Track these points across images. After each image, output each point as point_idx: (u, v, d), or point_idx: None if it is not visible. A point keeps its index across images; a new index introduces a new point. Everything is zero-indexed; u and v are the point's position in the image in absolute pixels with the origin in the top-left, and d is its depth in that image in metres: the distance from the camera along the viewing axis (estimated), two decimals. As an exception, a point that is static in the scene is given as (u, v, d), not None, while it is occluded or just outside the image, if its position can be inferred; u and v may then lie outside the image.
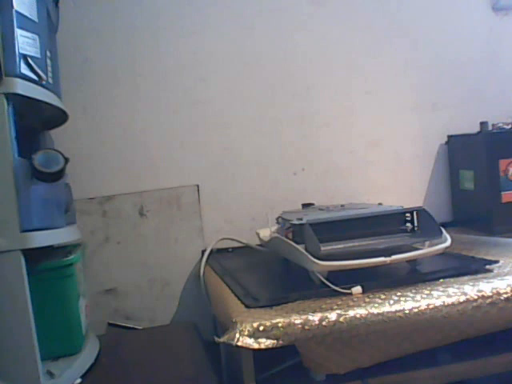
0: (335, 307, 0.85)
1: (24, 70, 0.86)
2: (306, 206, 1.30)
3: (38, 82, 0.89)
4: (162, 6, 1.41)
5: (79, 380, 0.92)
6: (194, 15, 1.42)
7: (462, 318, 0.87)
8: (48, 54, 0.96)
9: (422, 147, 1.59)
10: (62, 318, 0.97)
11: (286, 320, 0.82)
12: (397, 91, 1.56)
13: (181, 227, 1.42)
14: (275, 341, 0.81)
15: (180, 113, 1.43)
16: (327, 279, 0.93)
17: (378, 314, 0.84)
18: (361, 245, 1.02)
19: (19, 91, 0.83)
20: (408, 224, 1.08)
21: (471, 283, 0.92)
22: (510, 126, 1.44)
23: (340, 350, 0.84)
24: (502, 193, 1.40)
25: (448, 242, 0.99)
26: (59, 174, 0.89)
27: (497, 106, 1.58)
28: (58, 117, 1.07)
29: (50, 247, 0.97)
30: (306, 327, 0.82)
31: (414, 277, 0.99)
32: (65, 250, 1.05)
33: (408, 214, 1.08)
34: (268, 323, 0.82)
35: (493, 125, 1.46)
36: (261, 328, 0.81)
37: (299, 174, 1.50)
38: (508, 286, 0.91)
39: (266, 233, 1.23)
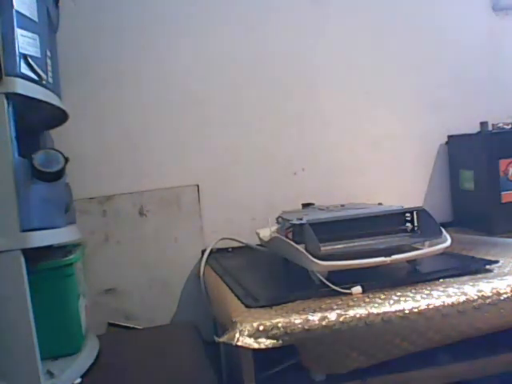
0: (335, 307, 0.85)
1: (24, 69, 0.86)
2: (306, 205, 1.30)
3: (38, 82, 0.89)
4: (164, 6, 1.40)
5: (79, 380, 0.92)
6: (194, 16, 1.42)
7: (462, 318, 0.87)
8: (48, 53, 0.96)
9: (422, 147, 1.59)
10: (62, 318, 0.97)
11: (286, 320, 0.82)
12: (397, 91, 1.56)
13: (181, 227, 1.42)
14: (275, 341, 0.81)
15: (180, 113, 1.43)
16: (327, 279, 0.93)
17: (378, 313, 0.84)
18: (361, 245, 1.02)
19: (19, 91, 0.83)
20: (408, 224, 1.08)
21: (471, 283, 0.92)
22: (510, 126, 1.44)
23: (340, 350, 0.84)
24: (502, 193, 1.40)
25: (448, 242, 0.99)
26: (59, 174, 0.89)
27: (497, 106, 1.58)
28: (58, 117, 1.07)
29: (50, 247, 0.97)
30: (306, 327, 0.81)
31: (414, 277, 0.99)
32: (65, 249, 1.05)
33: (408, 214, 1.08)
34: (268, 323, 0.81)
35: (493, 125, 1.46)
36: (261, 328, 0.81)
37: (299, 174, 1.50)
38: (508, 286, 0.91)
39: (265, 233, 1.23)
